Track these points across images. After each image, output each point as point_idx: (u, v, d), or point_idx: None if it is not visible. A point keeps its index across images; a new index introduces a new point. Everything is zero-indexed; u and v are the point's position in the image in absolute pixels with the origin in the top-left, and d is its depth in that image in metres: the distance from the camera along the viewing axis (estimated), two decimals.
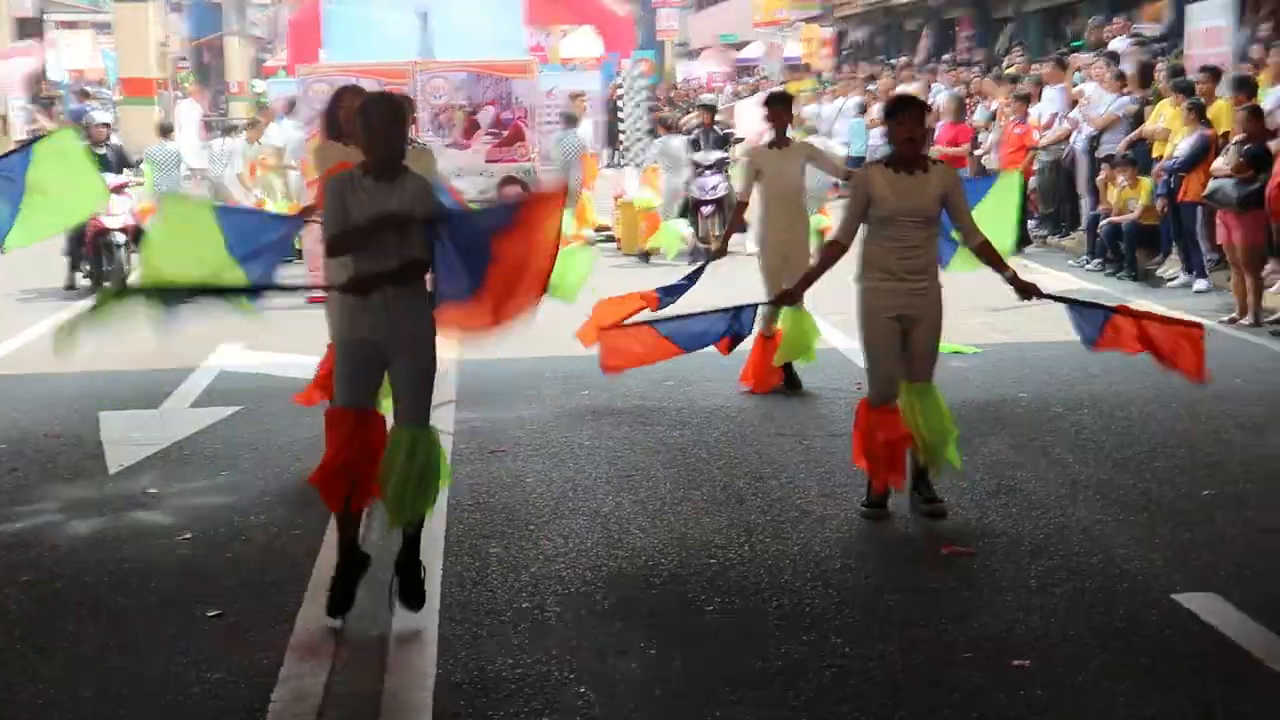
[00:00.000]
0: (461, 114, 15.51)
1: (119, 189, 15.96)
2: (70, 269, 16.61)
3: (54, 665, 6.13)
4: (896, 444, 7.67)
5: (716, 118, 21.48)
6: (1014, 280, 7.68)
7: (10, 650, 6.31)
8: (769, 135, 11.11)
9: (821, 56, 44.19)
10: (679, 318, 9.37)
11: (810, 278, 8.16)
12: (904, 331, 7.66)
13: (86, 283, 16.32)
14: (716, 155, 18.96)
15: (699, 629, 6.36)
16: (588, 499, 8.28)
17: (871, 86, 28.13)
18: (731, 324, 8.96)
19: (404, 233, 6.27)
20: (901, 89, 26.26)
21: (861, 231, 7.72)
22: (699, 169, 18.96)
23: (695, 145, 19.25)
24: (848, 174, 11.31)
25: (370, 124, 6.38)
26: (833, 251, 7.84)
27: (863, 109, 25.89)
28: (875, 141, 24.46)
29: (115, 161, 16.52)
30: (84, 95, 29.84)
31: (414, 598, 6.46)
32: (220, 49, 57.36)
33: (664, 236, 17.25)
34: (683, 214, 18.82)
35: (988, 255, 7.73)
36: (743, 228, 13.65)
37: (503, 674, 5.90)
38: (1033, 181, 18.81)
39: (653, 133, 23.32)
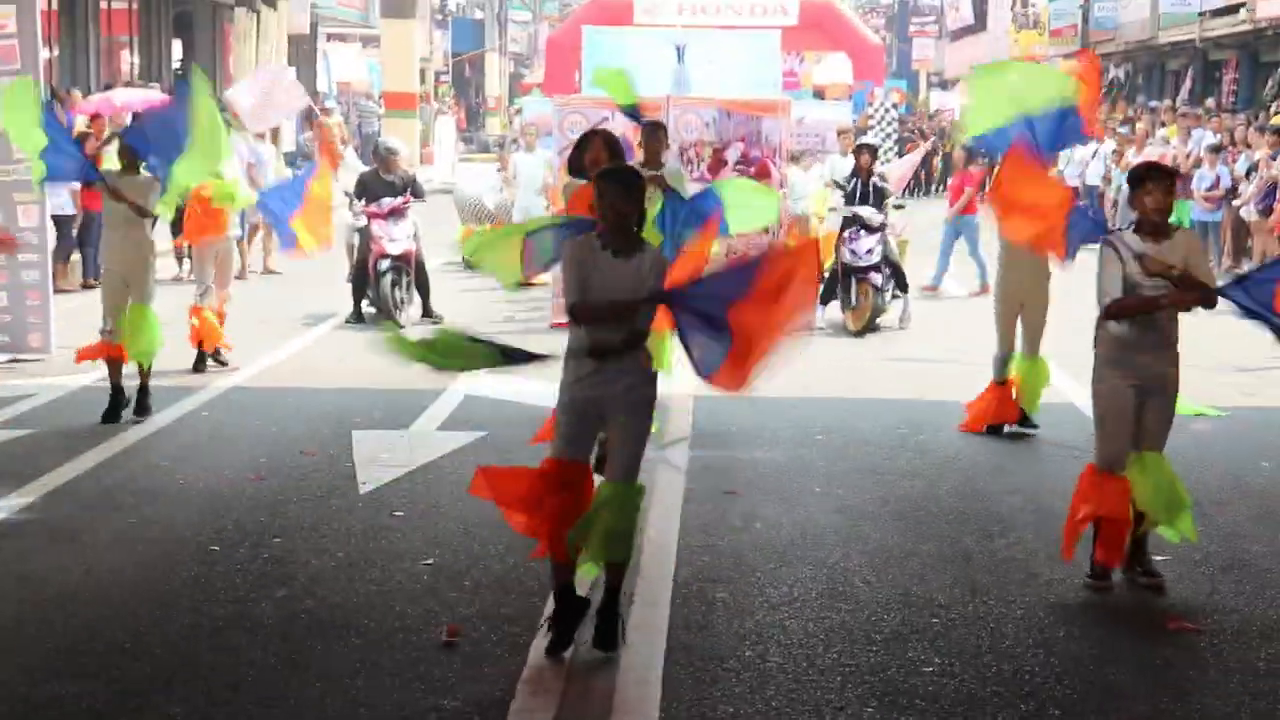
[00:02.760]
0: (709, 150, 15.69)
1: (396, 211, 16.05)
2: (355, 300, 16.44)
3: (304, 682, 6.40)
4: (1118, 522, 7.59)
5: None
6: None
7: (265, 664, 6.60)
8: None
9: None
10: None
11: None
12: (1140, 401, 7.61)
13: (372, 310, 16.18)
14: (879, 217, 15.87)
15: (917, 690, 6.36)
16: (815, 548, 8.33)
17: (1124, 129, 27.52)
18: None
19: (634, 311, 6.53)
20: (1160, 133, 25.72)
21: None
22: (853, 226, 15.90)
23: (850, 196, 16.15)
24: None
25: (604, 199, 6.56)
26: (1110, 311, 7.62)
27: (1119, 155, 25.10)
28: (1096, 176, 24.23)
29: (400, 189, 16.28)
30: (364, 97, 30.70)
31: (609, 644, 6.61)
32: (480, 64, 58.74)
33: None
34: (829, 288, 15.77)
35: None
36: None
37: None
38: None
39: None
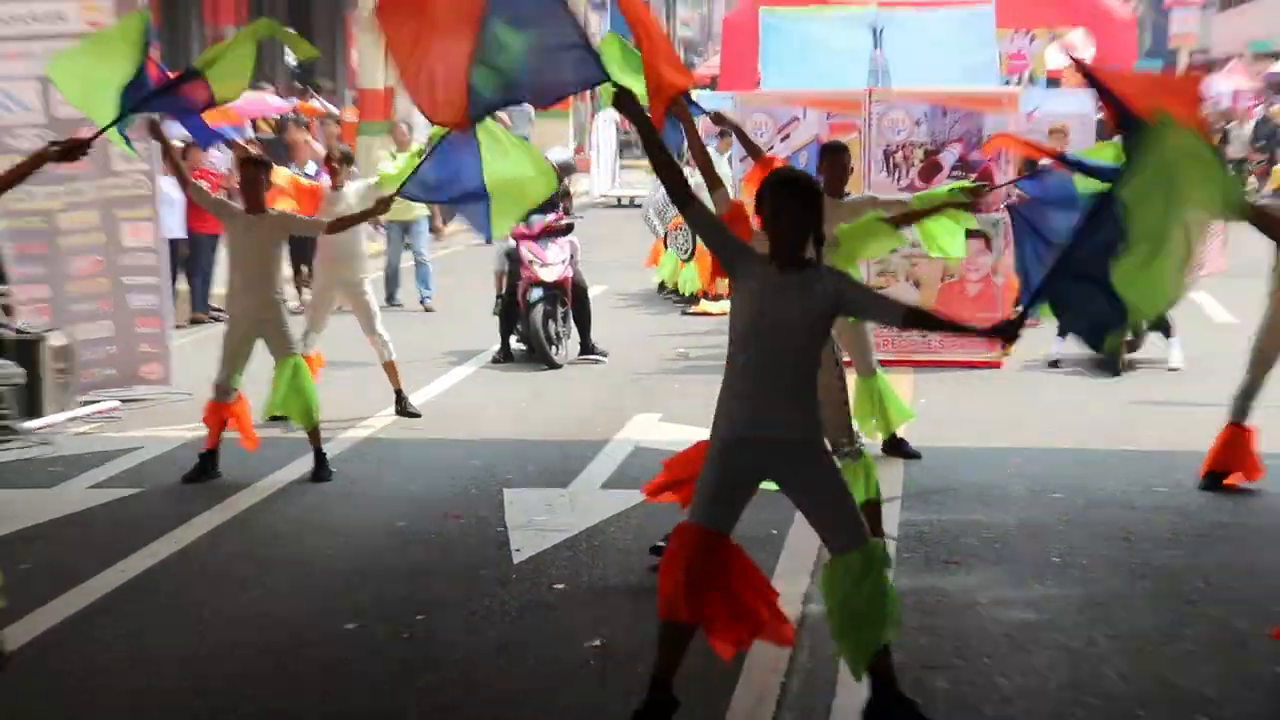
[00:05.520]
0: (921, 152, 15.66)
1: (550, 230, 16.23)
2: (503, 335, 16.67)
3: None
4: None
5: None
6: None
7: None
8: None
9: None
10: None
11: None
12: None
13: (522, 348, 16.38)
14: None
15: None
16: (1055, 630, 8.23)
17: None
18: None
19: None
20: None
21: None
22: None
23: None
24: None
25: (782, 213, 6.68)
26: None
27: None
28: None
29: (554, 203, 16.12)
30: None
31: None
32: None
33: None
34: None
35: None
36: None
37: None
38: None
39: None
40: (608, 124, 35.87)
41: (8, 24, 13.94)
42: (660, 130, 7.69)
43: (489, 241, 16.41)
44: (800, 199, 6.66)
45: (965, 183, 11.59)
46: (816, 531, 6.83)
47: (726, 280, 8.97)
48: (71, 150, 8.72)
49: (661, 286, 21.34)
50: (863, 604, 6.61)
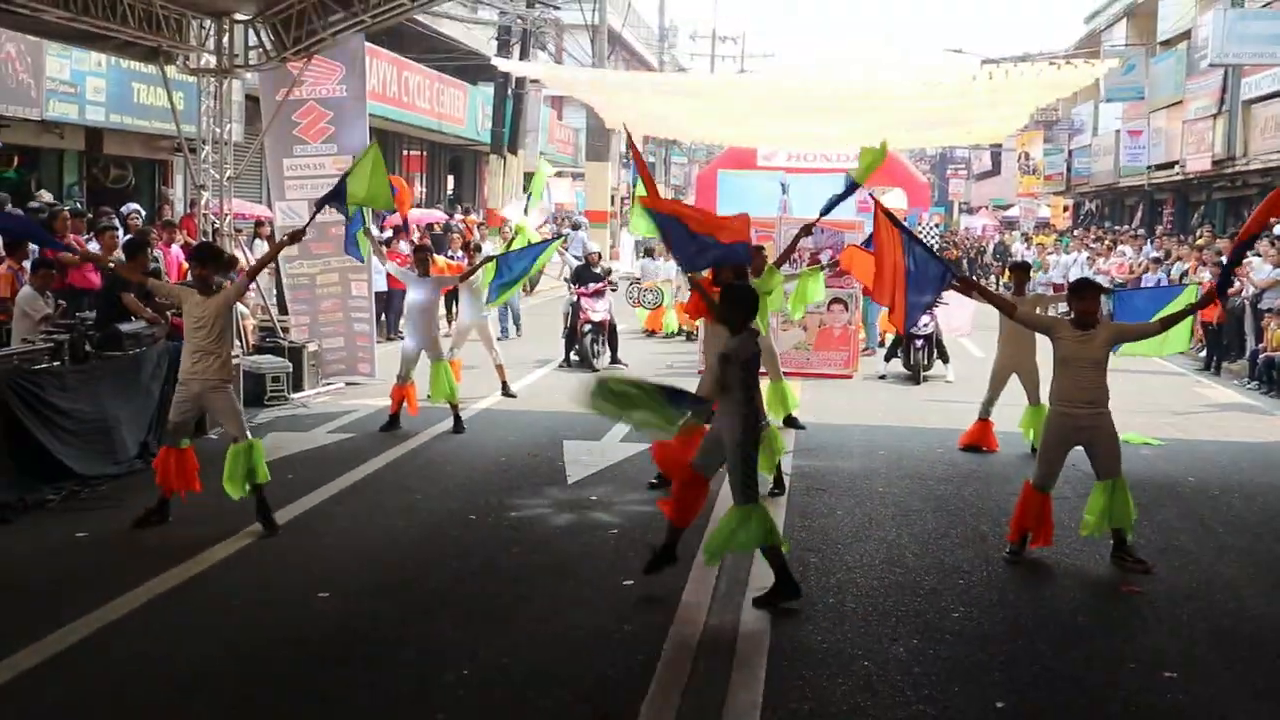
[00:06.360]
0: (808, 253, 15.58)
1: (598, 292, 15.98)
2: (566, 350, 16.27)
3: (531, 608, 6.48)
4: (1043, 520, 7.51)
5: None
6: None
7: (505, 595, 6.68)
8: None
9: (1064, 219, 42.58)
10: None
11: None
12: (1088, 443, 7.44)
13: (576, 359, 16.02)
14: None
15: (947, 629, 6.31)
16: (878, 530, 8.25)
17: (1095, 244, 26.92)
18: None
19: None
20: (1121, 248, 25.15)
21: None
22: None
23: None
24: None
25: (737, 305, 6.64)
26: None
27: (1091, 261, 24.43)
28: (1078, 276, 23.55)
29: (601, 277, 16.29)
30: (575, 226, 31.03)
31: (793, 595, 6.57)
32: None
33: None
34: (893, 349, 15.98)
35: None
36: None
37: (812, 646, 6.00)
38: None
39: None
40: (629, 235, 35.97)
41: (293, 169, 13.96)
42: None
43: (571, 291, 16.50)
44: (751, 304, 6.69)
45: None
46: (731, 488, 6.71)
47: (700, 324, 8.99)
48: (295, 235, 8.63)
49: (648, 331, 20.94)
50: (752, 526, 6.55)
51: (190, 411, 8.02)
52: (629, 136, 10.33)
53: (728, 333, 6.64)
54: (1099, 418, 7.40)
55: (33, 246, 11.43)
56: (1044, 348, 8.98)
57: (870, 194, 10.28)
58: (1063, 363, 7.37)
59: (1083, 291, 7.48)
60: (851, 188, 9.12)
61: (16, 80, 15.32)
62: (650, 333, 20.47)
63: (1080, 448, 7.56)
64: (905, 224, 7.57)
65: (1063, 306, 8.82)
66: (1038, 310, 9.36)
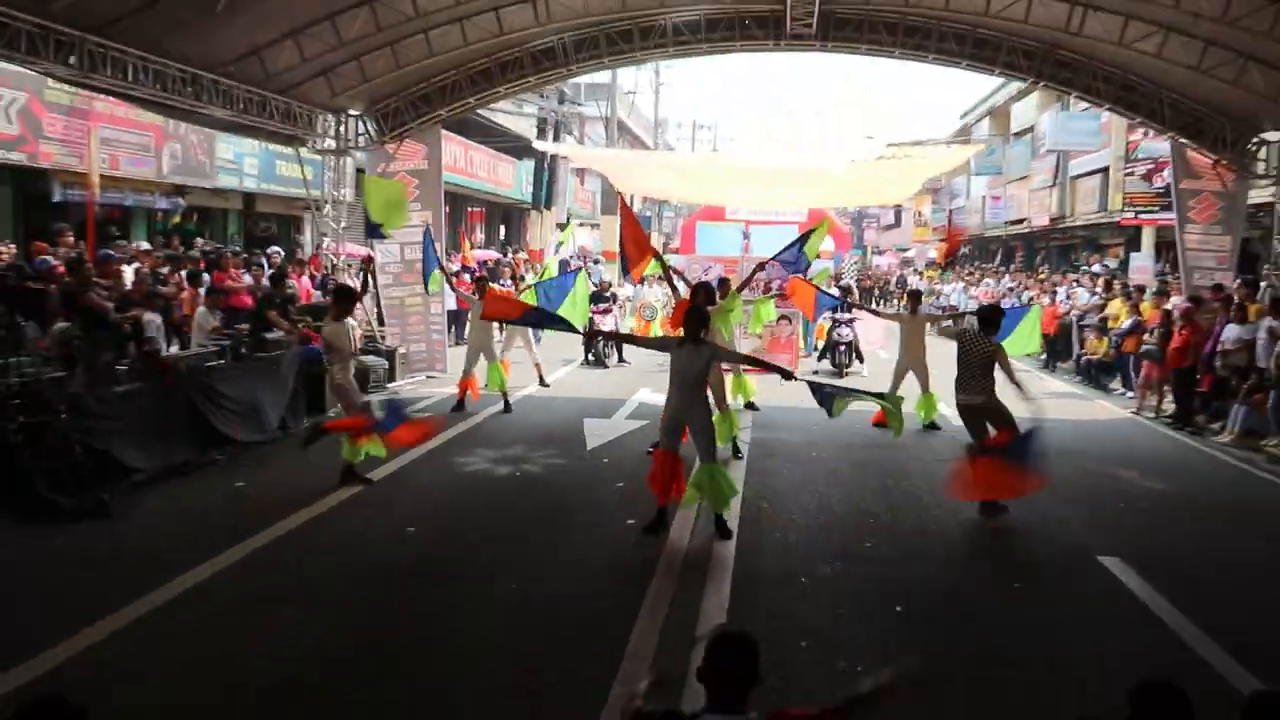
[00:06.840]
0: (762, 283, 15.50)
1: (608, 310, 16.05)
2: (585, 352, 16.09)
3: (557, 540, 6.43)
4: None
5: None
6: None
7: (538, 530, 6.58)
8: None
9: (944, 258, 42.49)
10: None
11: None
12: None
13: (592, 358, 16.03)
14: (846, 318, 15.76)
15: (863, 555, 6.29)
16: (813, 485, 8.18)
17: (969, 277, 27.03)
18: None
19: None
20: (985, 280, 25.20)
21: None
22: (840, 324, 15.87)
23: (839, 307, 14.86)
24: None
25: (693, 321, 6.47)
26: None
27: (965, 288, 24.62)
28: (957, 300, 23.50)
29: (610, 299, 16.34)
30: (595, 261, 30.86)
31: (724, 535, 6.54)
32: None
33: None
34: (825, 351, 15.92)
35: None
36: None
37: (764, 568, 5.98)
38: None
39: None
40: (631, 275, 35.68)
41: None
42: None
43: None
44: (703, 318, 6.57)
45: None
46: (697, 451, 6.62)
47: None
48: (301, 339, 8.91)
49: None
50: (716, 485, 6.48)
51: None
52: (622, 200, 10.42)
53: (690, 340, 6.50)
54: (990, 399, 7.37)
55: (205, 278, 11.49)
56: (935, 349, 9.01)
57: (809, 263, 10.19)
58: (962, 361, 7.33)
59: (991, 319, 7.50)
60: (803, 259, 9.20)
61: (196, 160, 15.47)
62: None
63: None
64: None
65: (947, 322, 8.88)
66: (929, 325, 9.51)
